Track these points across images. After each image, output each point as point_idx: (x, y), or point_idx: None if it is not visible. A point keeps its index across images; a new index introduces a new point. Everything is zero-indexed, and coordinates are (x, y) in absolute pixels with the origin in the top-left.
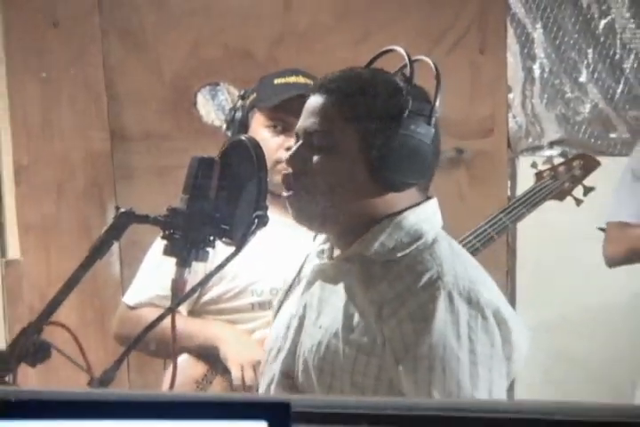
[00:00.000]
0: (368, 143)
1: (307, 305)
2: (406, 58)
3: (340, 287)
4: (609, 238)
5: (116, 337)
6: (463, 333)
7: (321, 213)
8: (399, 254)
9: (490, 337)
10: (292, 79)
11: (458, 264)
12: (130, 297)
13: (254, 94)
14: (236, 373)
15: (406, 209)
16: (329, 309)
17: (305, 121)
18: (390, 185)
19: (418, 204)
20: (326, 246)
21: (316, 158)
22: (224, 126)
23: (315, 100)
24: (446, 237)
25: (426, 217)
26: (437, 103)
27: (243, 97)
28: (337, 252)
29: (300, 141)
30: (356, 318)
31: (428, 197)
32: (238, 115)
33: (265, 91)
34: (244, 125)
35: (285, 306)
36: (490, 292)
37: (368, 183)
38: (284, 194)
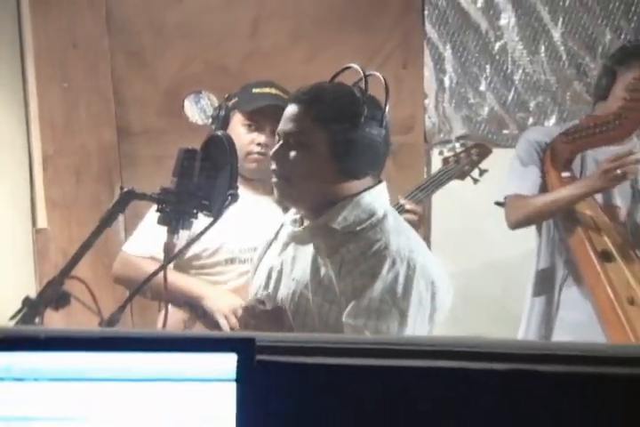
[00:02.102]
0: (334, 142)
1: (283, 262)
2: (362, 73)
3: (310, 249)
4: (509, 208)
5: (116, 278)
6: (399, 290)
7: (297, 195)
8: (358, 228)
9: (419, 295)
10: (267, 90)
11: (401, 237)
12: (131, 248)
13: (236, 98)
14: (222, 321)
15: (363, 191)
16: (300, 265)
17: (284, 125)
18: (351, 174)
19: (371, 187)
20: (297, 217)
21: (292, 154)
22: (209, 121)
23: (291, 109)
24: (392, 212)
25: (377, 197)
26: (387, 110)
27: (227, 99)
28: (307, 222)
29: (281, 141)
30: (322, 273)
31: (379, 181)
32: (222, 113)
33: (244, 97)
34: (225, 122)
35: (264, 261)
36: (425, 258)
37: (334, 172)
38: (273, 180)
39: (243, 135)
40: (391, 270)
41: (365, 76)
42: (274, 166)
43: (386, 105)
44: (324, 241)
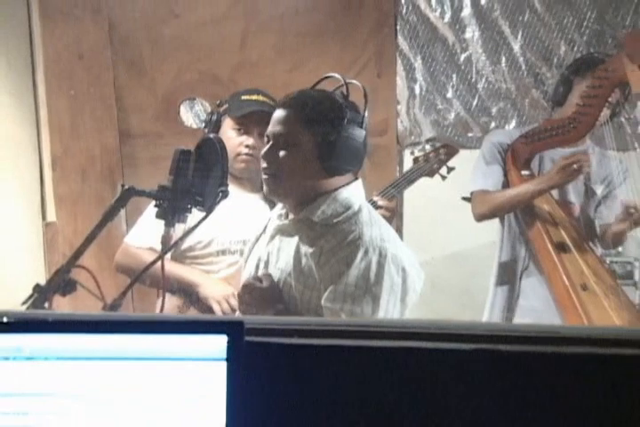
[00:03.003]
0: (319, 142)
1: (270, 253)
2: (343, 81)
3: (293, 240)
4: (475, 202)
5: (118, 267)
6: (372, 276)
7: (284, 191)
8: (335, 220)
9: (391, 281)
10: (254, 97)
11: (374, 228)
12: (132, 240)
13: (226, 105)
14: (216, 307)
15: (341, 187)
16: (284, 255)
17: (273, 127)
18: (334, 171)
19: (348, 183)
20: (283, 212)
21: (281, 154)
22: (203, 125)
23: (280, 113)
24: (367, 206)
25: (354, 192)
26: (366, 114)
27: (218, 106)
28: (291, 215)
29: (271, 142)
30: (303, 263)
31: (356, 178)
32: (214, 118)
33: (234, 104)
34: (217, 126)
35: (254, 253)
36: (395, 247)
37: (318, 170)
38: (263, 177)
39: (233, 138)
40: (364, 259)
41: (346, 84)
42: (264, 165)
43: (365, 110)
44: (305, 233)
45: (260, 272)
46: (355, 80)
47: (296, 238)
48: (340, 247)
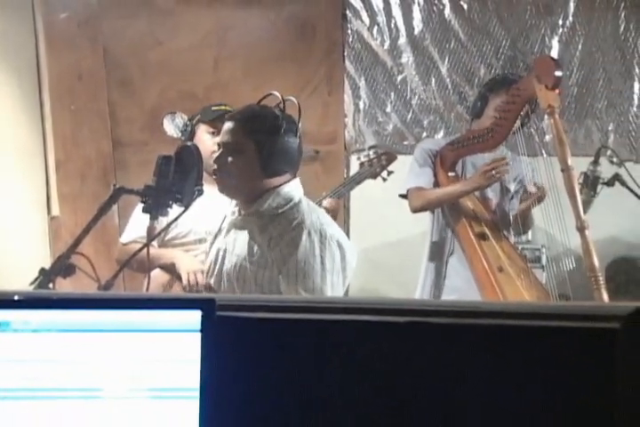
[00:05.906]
0: (260, 149)
1: (227, 243)
2: (281, 98)
3: (246, 231)
4: (411, 197)
5: (117, 262)
6: (317, 253)
7: (234, 189)
8: (280, 211)
9: (332, 256)
10: (222, 107)
11: (314, 215)
12: (123, 239)
13: (199, 116)
14: (185, 277)
15: (282, 184)
16: (239, 243)
17: (223, 137)
18: (274, 172)
19: (288, 181)
20: (236, 209)
21: (229, 159)
22: (180, 135)
23: (229, 125)
24: (306, 199)
25: (294, 188)
26: (300, 125)
27: (190, 119)
28: (242, 212)
29: (222, 149)
30: (255, 248)
31: (295, 177)
32: (189, 129)
33: (206, 113)
34: (192, 134)
35: (214, 244)
36: (333, 229)
37: (261, 171)
38: (214, 177)
39: (207, 140)
40: (308, 239)
41: (283, 100)
42: (216, 168)
43: (299, 121)
44: (255, 223)
45: (219, 261)
46: (309, 98)
47: (248, 229)
48: (286, 231)
